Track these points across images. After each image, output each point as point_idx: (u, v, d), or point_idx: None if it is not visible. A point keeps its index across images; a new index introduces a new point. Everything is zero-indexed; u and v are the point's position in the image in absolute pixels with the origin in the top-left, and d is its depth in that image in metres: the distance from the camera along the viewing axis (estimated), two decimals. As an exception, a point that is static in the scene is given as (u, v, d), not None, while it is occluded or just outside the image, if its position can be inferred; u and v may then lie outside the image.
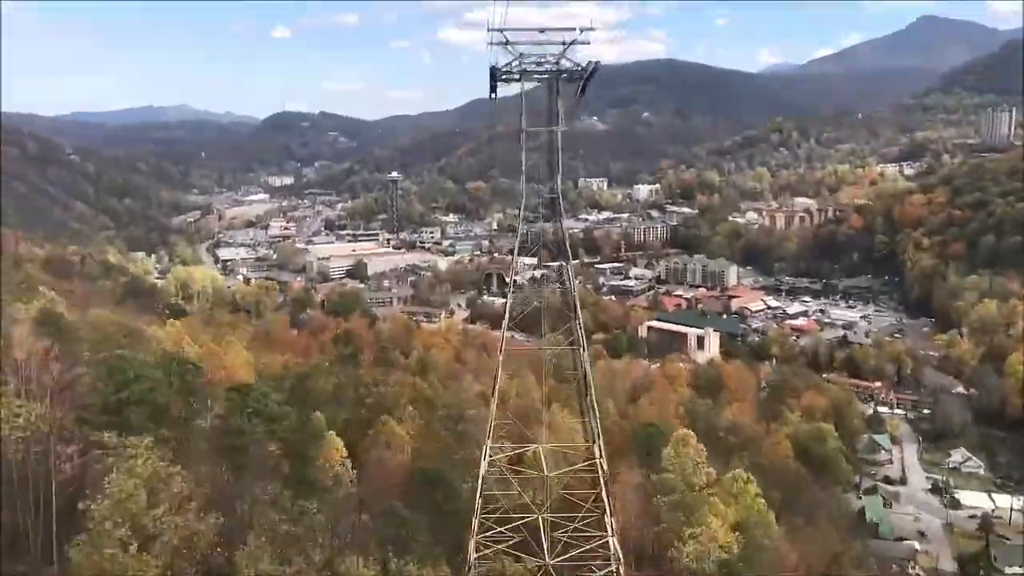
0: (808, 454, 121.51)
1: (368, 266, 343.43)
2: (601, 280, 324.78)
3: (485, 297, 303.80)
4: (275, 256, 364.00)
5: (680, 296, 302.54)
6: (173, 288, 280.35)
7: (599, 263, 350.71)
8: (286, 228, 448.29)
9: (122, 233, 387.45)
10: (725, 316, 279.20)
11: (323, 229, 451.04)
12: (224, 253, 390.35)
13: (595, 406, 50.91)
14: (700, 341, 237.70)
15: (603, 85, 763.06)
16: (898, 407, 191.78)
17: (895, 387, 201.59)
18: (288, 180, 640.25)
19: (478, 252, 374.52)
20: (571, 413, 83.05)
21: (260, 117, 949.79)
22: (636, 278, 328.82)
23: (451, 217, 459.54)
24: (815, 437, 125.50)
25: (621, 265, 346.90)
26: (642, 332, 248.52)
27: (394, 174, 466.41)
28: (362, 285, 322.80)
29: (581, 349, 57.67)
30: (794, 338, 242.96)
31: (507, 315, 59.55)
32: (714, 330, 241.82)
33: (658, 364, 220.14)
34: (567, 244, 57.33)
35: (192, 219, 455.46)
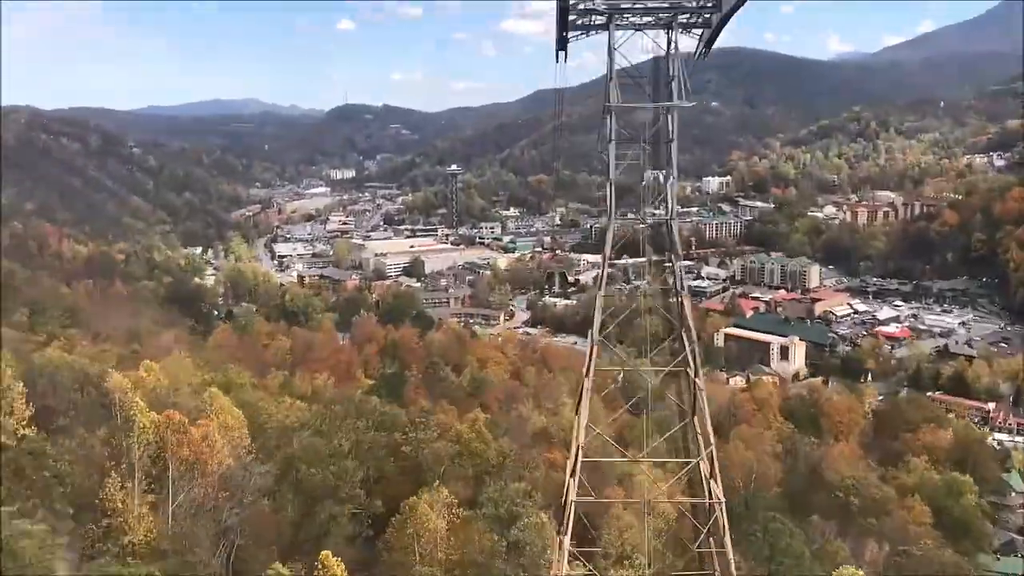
0: (941, 513, 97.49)
1: (425, 264, 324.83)
2: (670, 280, 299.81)
3: (547, 298, 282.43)
4: (331, 252, 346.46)
5: (758, 298, 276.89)
6: (221, 288, 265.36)
7: (667, 261, 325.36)
8: (345, 223, 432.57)
9: (179, 228, 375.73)
10: (809, 322, 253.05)
11: (382, 224, 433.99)
12: (281, 249, 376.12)
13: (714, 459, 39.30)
14: (784, 351, 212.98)
15: (667, 74, 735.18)
16: (1019, 433, 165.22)
17: (1013, 409, 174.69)
18: (350, 173, 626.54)
19: (539, 249, 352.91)
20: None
21: (325, 110, 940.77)
22: (709, 278, 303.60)
23: (512, 211, 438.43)
24: (951, 491, 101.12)
25: (692, 263, 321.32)
26: (719, 340, 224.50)
27: (453, 167, 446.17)
28: (418, 284, 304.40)
29: (694, 373, 42.09)
30: (889, 348, 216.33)
31: (595, 327, 45.63)
32: (800, 339, 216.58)
33: (737, 378, 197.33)
34: (677, 239, 45.44)
35: (251, 213, 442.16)
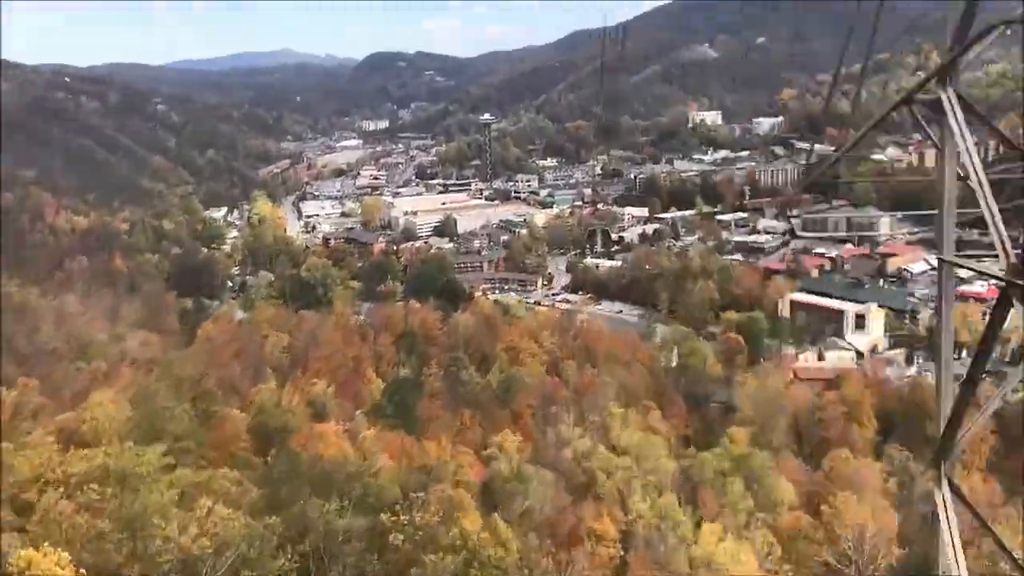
0: None
1: (457, 222, 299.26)
2: (725, 235, 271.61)
3: (588, 259, 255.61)
4: (359, 211, 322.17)
5: (822, 255, 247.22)
6: (238, 256, 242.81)
7: (720, 213, 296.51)
8: (376, 177, 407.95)
9: (202, 189, 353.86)
10: (882, 281, 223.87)
11: (414, 178, 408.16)
12: (308, 207, 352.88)
13: None
14: (859, 320, 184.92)
15: (709, 9, 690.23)
16: None
17: None
18: (383, 124, 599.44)
19: (579, 203, 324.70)
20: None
21: (359, 59, 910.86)
22: (766, 232, 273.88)
23: (549, 161, 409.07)
24: None
25: (747, 216, 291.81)
26: (783, 308, 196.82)
27: (487, 116, 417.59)
28: (449, 245, 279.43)
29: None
30: (983, 315, 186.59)
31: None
32: (878, 305, 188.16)
33: (808, 354, 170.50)
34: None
35: (279, 170, 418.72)
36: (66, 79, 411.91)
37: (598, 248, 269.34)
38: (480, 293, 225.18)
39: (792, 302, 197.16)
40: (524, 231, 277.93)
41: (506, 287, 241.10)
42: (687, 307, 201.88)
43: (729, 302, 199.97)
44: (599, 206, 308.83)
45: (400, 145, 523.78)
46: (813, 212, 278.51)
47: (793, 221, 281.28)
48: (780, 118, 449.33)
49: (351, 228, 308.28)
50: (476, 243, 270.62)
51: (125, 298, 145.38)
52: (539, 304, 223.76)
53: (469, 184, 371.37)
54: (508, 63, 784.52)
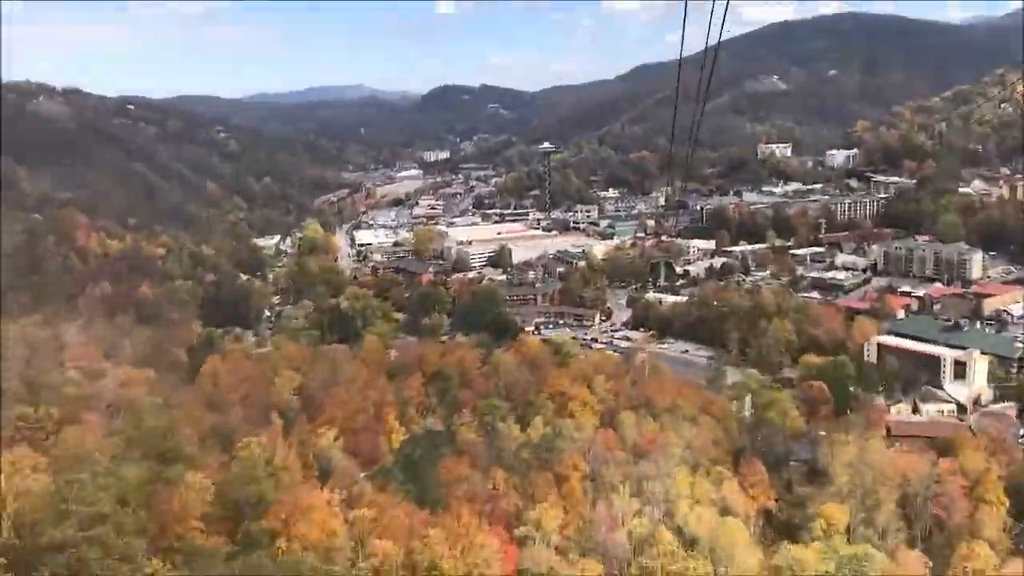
0: None
1: (512, 252, 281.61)
2: (799, 271, 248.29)
3: (651, 293, 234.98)
4: (412, 241, 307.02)
5: (908, 294, 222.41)
6: (276, 287, 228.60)
7: (793, 248, 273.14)
8: (433, 208, 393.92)
9: (255, 215, 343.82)
10: (980, 324, 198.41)
11: (471, 208, 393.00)
12: (362, 236, 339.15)
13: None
14: (958, 367, 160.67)
15: (782, 41, 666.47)
16: None
17: None
18: (444, 155, 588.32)
19: (641, 235, 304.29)
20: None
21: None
22: (846, 268, 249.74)
23: (611, 192, 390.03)
24: None
25: (822, 251, 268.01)
26: (870, 351, 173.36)
27: (546, 144, 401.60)
28: (503, 276, 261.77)
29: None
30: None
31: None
32: (980, 352, 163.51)
33: (901, 405, 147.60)
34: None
35: (336, 198, 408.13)
36: (129, 106, 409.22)
37: (661, 282, 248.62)
38: (532, 328, 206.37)
39: (880, 345, 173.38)
40: (582, 263, 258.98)
41: (561, 322, 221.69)
42: (760, 349, 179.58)
43: (807, 344, 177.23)
44: (663, 238, 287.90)
45: (460, 176, 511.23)
46: (896, 248, 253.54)
47: (874, 257, 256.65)
48: (855, 150, 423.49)
49: (402, 257, 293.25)
50: (531, 275, 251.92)
51: (135, 328, 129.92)
52: (595, 341, 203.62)
53: (527, 214, 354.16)
54: (573, 97, 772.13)
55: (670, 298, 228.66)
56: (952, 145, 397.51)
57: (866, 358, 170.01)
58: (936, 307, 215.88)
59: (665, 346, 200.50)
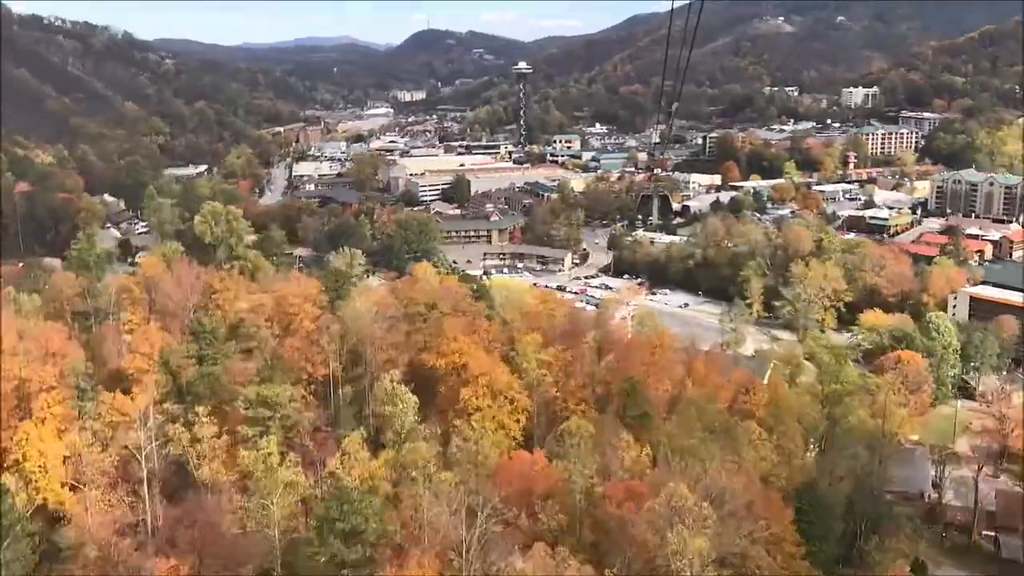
0: None
1: (471, 184, 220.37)
2: (832, 208, 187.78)
3: (640, 232, 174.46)
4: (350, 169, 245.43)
5: (977, 236, 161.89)
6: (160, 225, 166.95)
7: (818, 183, 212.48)
8: (393, 142, 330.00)
9: (181, 140, 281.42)
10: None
11: (437, 143, 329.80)
12: (302, 168, 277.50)
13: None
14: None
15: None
16: None
17: None
18: (420, 95, 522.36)
19: (631, 169, 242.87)
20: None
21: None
22: (888, 206, 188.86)
23: (598, 128, 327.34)
24: None
25: (855, 187, 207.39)
26: (957, 308, 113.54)
27: (521, 64, 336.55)
28: (457, 211, 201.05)
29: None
30: None
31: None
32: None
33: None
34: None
35: (281, 129, 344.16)
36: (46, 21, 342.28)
37: (653, 219, 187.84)
38: (481, 273, 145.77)
39: (973, 300, 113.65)
40: (554, 195, 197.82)
41: (520, 265, 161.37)
42: (794, 302, 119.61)
43: (864, 297, 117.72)
44: (657, 172, 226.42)
45: (435, 116, 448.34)
46: (954, 182, 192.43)
47: (922, 194, 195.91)
48: (875, 88, 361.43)
49: (340, 188, 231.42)
50: (488, 207, 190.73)
51: None
52: (562, 291, 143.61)
53: (498, 147, 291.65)
54: (564, 45, 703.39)
55: (665, 238, 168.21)
56: (985, 84, 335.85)
57: (952, 316, 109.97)
58: (1014, 252, 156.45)
59: (658, 298, 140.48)
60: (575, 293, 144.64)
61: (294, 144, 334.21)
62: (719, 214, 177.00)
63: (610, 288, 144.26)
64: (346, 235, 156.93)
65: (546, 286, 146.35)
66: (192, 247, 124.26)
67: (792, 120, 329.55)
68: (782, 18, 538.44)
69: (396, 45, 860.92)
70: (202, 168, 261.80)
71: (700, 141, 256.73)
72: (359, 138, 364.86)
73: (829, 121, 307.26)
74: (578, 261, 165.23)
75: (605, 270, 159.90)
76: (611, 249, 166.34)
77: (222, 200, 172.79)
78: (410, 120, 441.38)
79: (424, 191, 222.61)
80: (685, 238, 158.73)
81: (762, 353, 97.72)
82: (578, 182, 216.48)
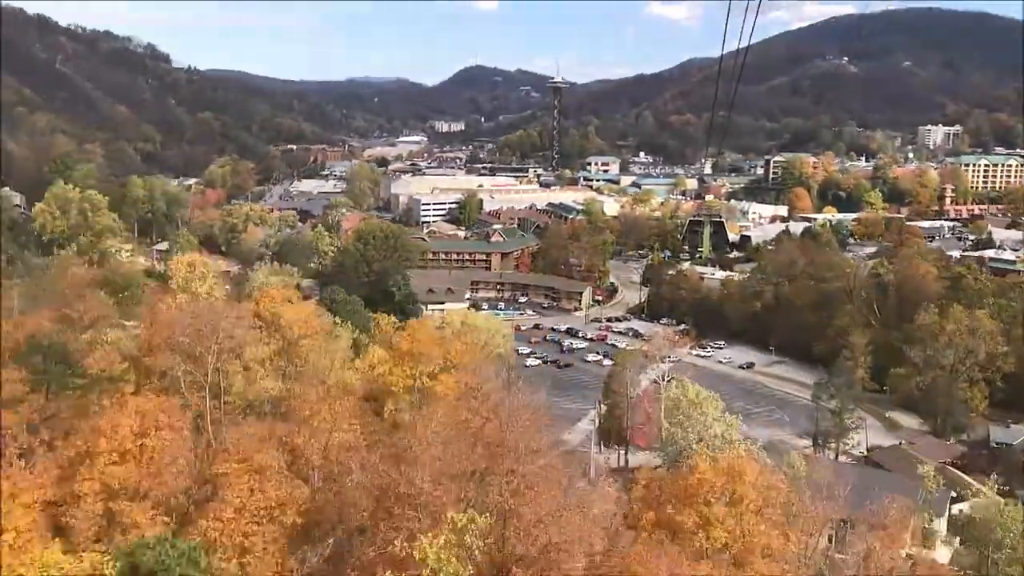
0: None
1: (484, 204, 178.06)
2: (934, 243, 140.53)
3: (686, 265, 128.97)
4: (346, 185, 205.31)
5: None
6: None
7: (908, 218, 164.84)
8: (413, 164, 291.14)
9: (175, 151, 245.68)
10: None
11: (461, 168, 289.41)
12: (304, 185, 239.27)
13: None
14: None
15: (847, 35, 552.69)
16: None
17: None
18: (459, 126, 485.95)
19: (679, 196, 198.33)
20: None
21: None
22: (1011, 248, 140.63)
23: (643, 157, 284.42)
24: None
25: (958, 225, 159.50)
26: None
27: (557, 79, 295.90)
28: (459, 232, 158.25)
29: None
30: None
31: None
32: None
33: None
34: None
35: (295, 147, 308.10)
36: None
37: (704, 251, 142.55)
38: (468, 305, 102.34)
39: None
40: (580, 217, 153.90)
41: (523, 299, 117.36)
42: (927, 371, 73.48)
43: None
44: (708, 198, 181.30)
45: (470, 146, 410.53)
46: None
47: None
48: (957, 127, 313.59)
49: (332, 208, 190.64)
50: (495, 226, 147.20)
51: None
52: (574, 335, 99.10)
53: (526, 170, 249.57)
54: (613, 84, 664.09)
55: (719, 273, 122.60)
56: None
57: None
58: None
59: (709, 353, 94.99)
60: (591, 340, 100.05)
61: (310, 163, 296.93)
62: (789, 246, 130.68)
63: (640, 336, 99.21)
64: (293, 248, 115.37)
65: (553, 329, 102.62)
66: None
67: (863, 157, 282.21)
68: (846, 59, 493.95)
69: (443, 81, 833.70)
70: (193, 180, 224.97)
71: (762, 167, 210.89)
72: (383, 162, 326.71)
73: (911, 156, 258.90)
74: (601, 298, 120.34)
75: (637, 311, 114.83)
76: (646, 284, 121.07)
77: (163, 204, 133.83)
78: (444, 148, 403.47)
79: (427, 210, 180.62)
80: (747, 273, 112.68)
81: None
82: (612, 205, 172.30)
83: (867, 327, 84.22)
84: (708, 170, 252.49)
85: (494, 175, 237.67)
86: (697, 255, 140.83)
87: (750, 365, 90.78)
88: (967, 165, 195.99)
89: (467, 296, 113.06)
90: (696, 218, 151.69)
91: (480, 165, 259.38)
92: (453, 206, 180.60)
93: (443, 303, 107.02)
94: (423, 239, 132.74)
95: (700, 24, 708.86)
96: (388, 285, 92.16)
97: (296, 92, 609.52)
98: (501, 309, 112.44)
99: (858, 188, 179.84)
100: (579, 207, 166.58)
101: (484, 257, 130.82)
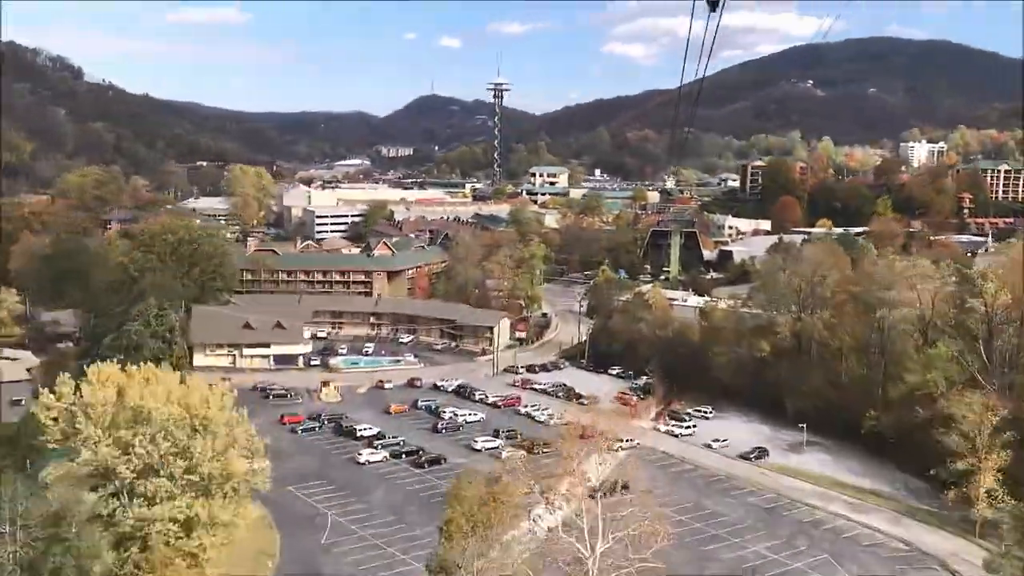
0: None
1: (395, 214, 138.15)
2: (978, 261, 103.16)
3: (646, 288, 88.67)
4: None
5: None
6: None
7: (925, 232, 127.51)
8: (329, 183, 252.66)
9: (47, 162, 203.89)
10: None
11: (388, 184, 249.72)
12: (200, 203, 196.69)
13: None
14: None
15: (808, 63, 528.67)
16: None
17: None
18: (406, 151, 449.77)
19: (637, 210, 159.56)
20: None
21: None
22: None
23: (598, 175, 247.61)
24: None
25: (983, 238, 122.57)
26: None
27: (499, 80, 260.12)
28: (351, 248, 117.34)
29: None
30: None
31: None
32: None
33: None
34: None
35: (204, 163, 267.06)
36: None
37: (672, 270, 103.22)
38: (303, 357, 61.59)
39: None
40: (506, 227, 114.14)
41: (406, 339, 76.71)
42: None
43: None
44: (675, 209, 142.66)
45: (415, 171, 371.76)
46: None
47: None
48: (941, 144, 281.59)
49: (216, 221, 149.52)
50: (374, 241, 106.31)
51: None
52: (468, 397, 59.34)
53: (463, 184, 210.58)
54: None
55: (693, 299, 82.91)
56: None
57: None
58: None
59: (690, 429, 55.30)
60: (494, 405, 59.57)
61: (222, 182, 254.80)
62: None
63: (580, 399, 59.36)
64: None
65: (437, 386, 62.26)
66: None
67: (841, 176, 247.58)
68: (811, 82, 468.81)
69: (396, 110, 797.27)
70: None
71: (733, 181, 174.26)
72: (308, 182, 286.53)
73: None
74: (524, 335, 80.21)
75: (576, 353, 74.71)
76: (591, 315, 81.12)
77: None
78: (386, 172, 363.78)
79: (323, 223, 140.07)
80: (738, 299, 72.54)
81: None
82: (552, 217, 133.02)
83: (970, 388, 45.29)
84: (672, 184, 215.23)
85: (423, 188, 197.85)
86: (663, 275, 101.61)
87: (761, 453, 50.87)
88: (984, 171, 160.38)
89: (314, 334, 72.31)
90: (661, 228, 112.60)
91: (410, 180, 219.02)
92: (359, 219, 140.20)
93: (267, 345, 66.45)
94: (274, 251, 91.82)
95: (659, 61, 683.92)
96: (145, 316, 51.59)
97: (234, 116, 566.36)
98: (368, 353, 71.79)
99: (857, 197, 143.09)
100: (506, 218, 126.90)
101: (365, 279, 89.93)
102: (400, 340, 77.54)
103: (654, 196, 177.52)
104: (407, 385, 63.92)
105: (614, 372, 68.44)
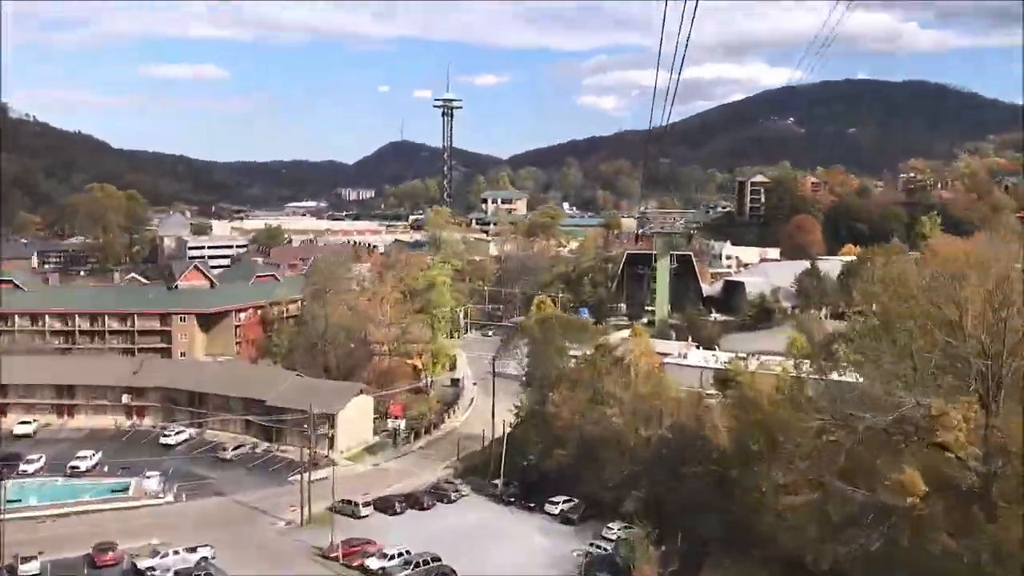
0: None
1: (294, 242, 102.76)
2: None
3: (619, 335, 52.69)
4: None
5: None
6: None
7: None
8: (237, 214, 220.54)
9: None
10: None
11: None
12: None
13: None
14: None
15: (783, 105, 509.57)
16: None
17: None
18: (368, 194, 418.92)
19: (611, 237, 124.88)
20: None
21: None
22: None
23: (566, 208, 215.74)
24: None
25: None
26: None
27: (449, 95, 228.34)
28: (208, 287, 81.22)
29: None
30: None
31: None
32: None
33: None
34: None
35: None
36: None
37: (656, 308, 67.95)
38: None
39: None
40: (414, 252, 79.03)
41: (175, 435, 40.30)
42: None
43: None
44: (655, 230, 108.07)
45: (376, 213, 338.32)
46: None
47: None
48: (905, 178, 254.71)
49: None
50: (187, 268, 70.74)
51: None
52: None
53: (406, 217, 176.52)
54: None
55: (695, 355, 47.66)
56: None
57: None
58: None
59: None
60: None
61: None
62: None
63: None
64: None
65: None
66: None
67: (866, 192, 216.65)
68: (792, 119, 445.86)
69: (366, 156, 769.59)
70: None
71: (724, 207, 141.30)
72: (221, 216, 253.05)
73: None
74: (399, 425, 43.80)
75: (493, 463, 38.52)
76: (528, 383, 45.09)
77: None
78: (343, 216, 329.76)
79: (199, 255, 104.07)
80: (772, 357, 36.75)
81: None
82: (493, 246, 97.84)
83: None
84: (653, 207, 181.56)
85: (357, 220, 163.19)
86: (645, 316, 66.39)
87: None
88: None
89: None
90: (639, 251, 77.88)
91: (344, 213, 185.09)
92: (243, 250, 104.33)
93: None
94: (14, 284, 55.59)
95: (631, 114, 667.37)
96: None
97: (182, 160, 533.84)
98: (71, 473, 35.45)
99: (888, 219, 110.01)
100: (426, 243, 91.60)
101: (162, 320, 53.76)
102: (165, 439, 41.19)
103: (630, 224, 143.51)
104: (87, 559, 27.70)
105: (555, 511, 32.50)
